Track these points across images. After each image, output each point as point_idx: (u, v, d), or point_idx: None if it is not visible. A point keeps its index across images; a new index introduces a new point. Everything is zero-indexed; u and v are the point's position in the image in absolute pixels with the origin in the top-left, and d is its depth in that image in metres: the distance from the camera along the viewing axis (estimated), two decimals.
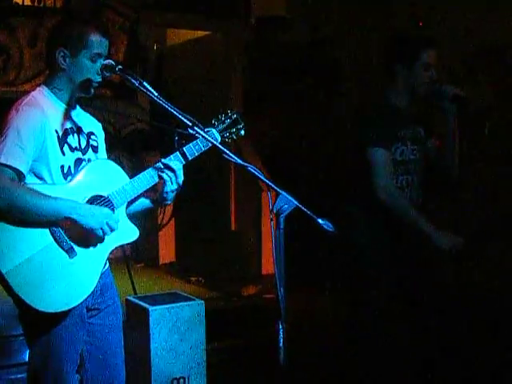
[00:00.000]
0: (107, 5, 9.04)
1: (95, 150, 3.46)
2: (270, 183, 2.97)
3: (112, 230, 3.21)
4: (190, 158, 3.43)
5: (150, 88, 3.10)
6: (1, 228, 3.04)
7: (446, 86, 4.26)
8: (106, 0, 9.05)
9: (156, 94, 3.09)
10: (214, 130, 3.51)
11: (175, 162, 3.37)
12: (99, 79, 3.30)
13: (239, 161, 3.03)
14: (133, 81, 3.11)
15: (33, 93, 3.28)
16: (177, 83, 10.18)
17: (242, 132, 3.61)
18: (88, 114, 3.55)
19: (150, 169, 3.37)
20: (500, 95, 7.11)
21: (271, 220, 2.95)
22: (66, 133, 3.28)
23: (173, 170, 3.35)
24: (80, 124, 3.40)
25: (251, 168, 3.01)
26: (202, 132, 3.13)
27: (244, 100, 10.16)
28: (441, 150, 4.48)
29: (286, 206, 2.90)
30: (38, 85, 3.37)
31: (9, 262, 3.02)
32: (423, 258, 4.44)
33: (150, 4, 9.33)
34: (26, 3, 8.77)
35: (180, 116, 3.06)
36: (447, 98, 4.23)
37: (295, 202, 2.92)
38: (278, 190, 2.94)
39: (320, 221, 2.94)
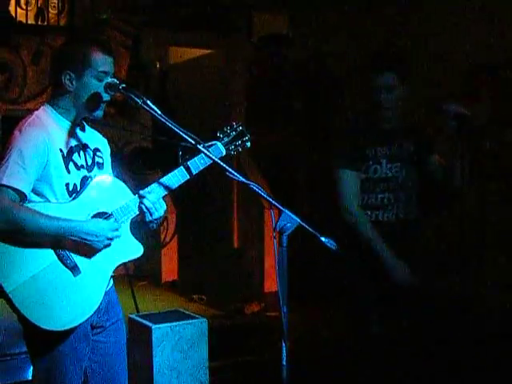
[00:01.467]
0: (109, 23, 9.09)
1: (101, 166, 3.45)
2: (272, 201, 2.97)
3: (112, 239, 3.20)
4: (194, 173, 3.38)
5: (152, 106, 3.10)
6: (4, 247, 3.04)
7: (448, 103, 4.27)
8: (108, 18, 9.10)
9: (159, 113, 3.09)
10: (218, 144, 3.47)
11: (152, 195, 3.31)
12: (107, 98, 3.29)
13: (242, 178, 3.04)
14: (136, 99, 3.11)
15: (36, 112, 3.27)
16: (179, 101, 10.21)
17: (248, 144, 3.57)
18: (94, 130, 3.54)
19: (153, 184, 3.34)
20: (500, 111, 7.12)
21: (274, 238, 2.95)
22: (71, 151, 3.27)
23: (151, 202, 3.30)
24: (86, 141, 3.40)
25: (254, 186, 3.02)
26: (204, 150, 3.14)
27: (246, 117, 10.19)
28: (444, 167, 4.48)
29: (289, 224, 2.90)
30: (42, 104, 3.36)
31: (13, 280, 3.02)
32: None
33: (153, 22, 9.37)
34: (29, 21, 8.82)
35: (182, 134, 3.07)
36: (449, 115, 4.25)
37: (298, 220, 2.92)
38: (281, 207, 2.94)
39: (323, 239, 2.94)
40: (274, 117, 10.01)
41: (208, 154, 3.16)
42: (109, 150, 3.60)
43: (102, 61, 3.26)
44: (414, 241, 4.54)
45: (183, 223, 9.24)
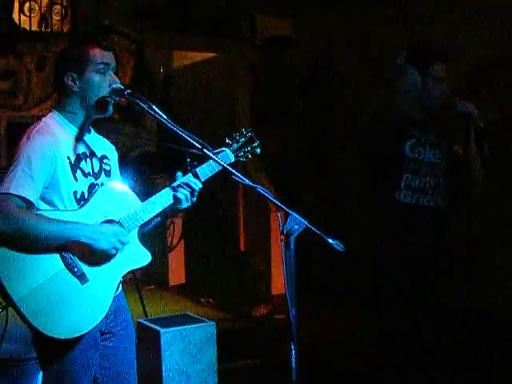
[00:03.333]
0: (113, 28, 9.10)
1: (108, 174, 3.44)
2: (279, 204, 2.97)
3: (124, 244, 3.20)
4: (202, 179, 3.38)
5: (158, 111, 3.09)
6: (12, 256, 3.03)
7: (457, 101, 4.28)
8: (111, 23, 9.12)
9: (165, 118, 3.08)
10: (227, 150, 3.46)
11: (195, 180, 3.34)
12: (115, 96, 3.27)
13: (249, 182, 3.03)
14: (142, 105, 3.11)
15: (44, 119, 3.27)
16: (183, 105, 10.21)
17: (258, 150, 3.56)
18: (101, 137, 3.53)
19: (164, 190, 3.33)
20: (503, 110, 7.12)
21: (281, 241, 2.95)
22: (78, 158, 3.27)
23: (192, 189, 3.33)
24: (93, 148, 3.39)
25: (260, 189, 3.01)
26: (210, 154, 3.13)
27: (250, 120, 10.19)
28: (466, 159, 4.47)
29: (296, 226, 2.90)
30: (50, 110, 3.36)
31: (20, 289, 3.01)
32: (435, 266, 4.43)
33: (156, 26, 9.38)
34: (33, 28, 8.84)
35: (189, 139, 3.05)
36: (457, 113, 4.27)
37: (305, 223, 2.91)
38: (288, 210, 2.94)
39: (330, 241, 2.93)
40: (279, 120, 10.01)
41: (214, 157, 3.15)
42: (116, 156, 3.58)
43: (99, 54, 3.25)
44: (445, 230, 4.53)
45: (190, 227, 9.24)
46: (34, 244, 3.04)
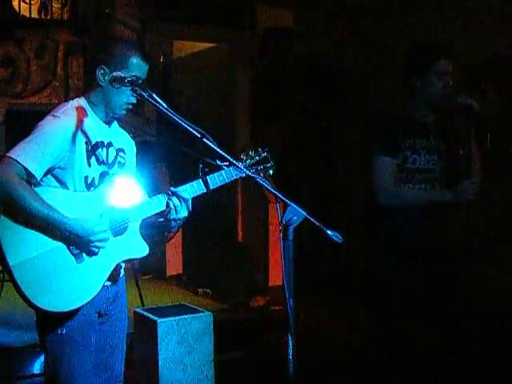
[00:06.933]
0: (114, 17, 9.08)
1: (121, 166, 3.50)
2: (278, 194, 2.96)
3: (98, 248, 3.20)
4: (211, 188, 3.39)
5: (159, 100, 3.09)
6: (15, 223, 3.09)
7: (458, 96, 4.26)
8: (112, 12, 9.10)
9: (165, 106, 3.07)
10: (240, 165, 3.45)
11: (184, 192, 3.34)
12: (133, 100, 3.34)
13: (248, 172, 3.03)
14: (142, 93, 3.13)
15: (72, 102, 3.34)
16: (183, 95, 10.20)
17: (271, 171, 3.55)
18: (122, 131, 3.61)
19: (161, 194, 3.36)
20: (506, 105, 7.10)
21: (280, 231, 2.94)
22: (96, 145, 3.32)
23: (179, 200, 3.34)
24: (111, 139, 3.45)
25: (260, 179, 3.01)
26: (209, 142, 3.09)
27: (250, 111, 10.17)
28: (467, 160, 4.44)
29: (295, 217, 2.89)
30: (79, 96, 3.43)
31: (17, 255, 3.07)
32: (446, 266, 4.40)
33: (157, 16, 9.36)
34: (32, 15, 8.82)
35: (188, 127, 3.04)
36: (458, 108, 4.24)
37: (304, 214, 2.90)
38: (287, 201, 2.93)
39: (329, 232, 2.92)
40: (279, 112, 9.98)
41: (213, 145, 3.10)
42: (134, 151, 3.69)
43: (137, 65, 3.32)
44: (443, 235, 4.51)
45: (187, 217, 9.22)
46: (17, 214, 3.08)
